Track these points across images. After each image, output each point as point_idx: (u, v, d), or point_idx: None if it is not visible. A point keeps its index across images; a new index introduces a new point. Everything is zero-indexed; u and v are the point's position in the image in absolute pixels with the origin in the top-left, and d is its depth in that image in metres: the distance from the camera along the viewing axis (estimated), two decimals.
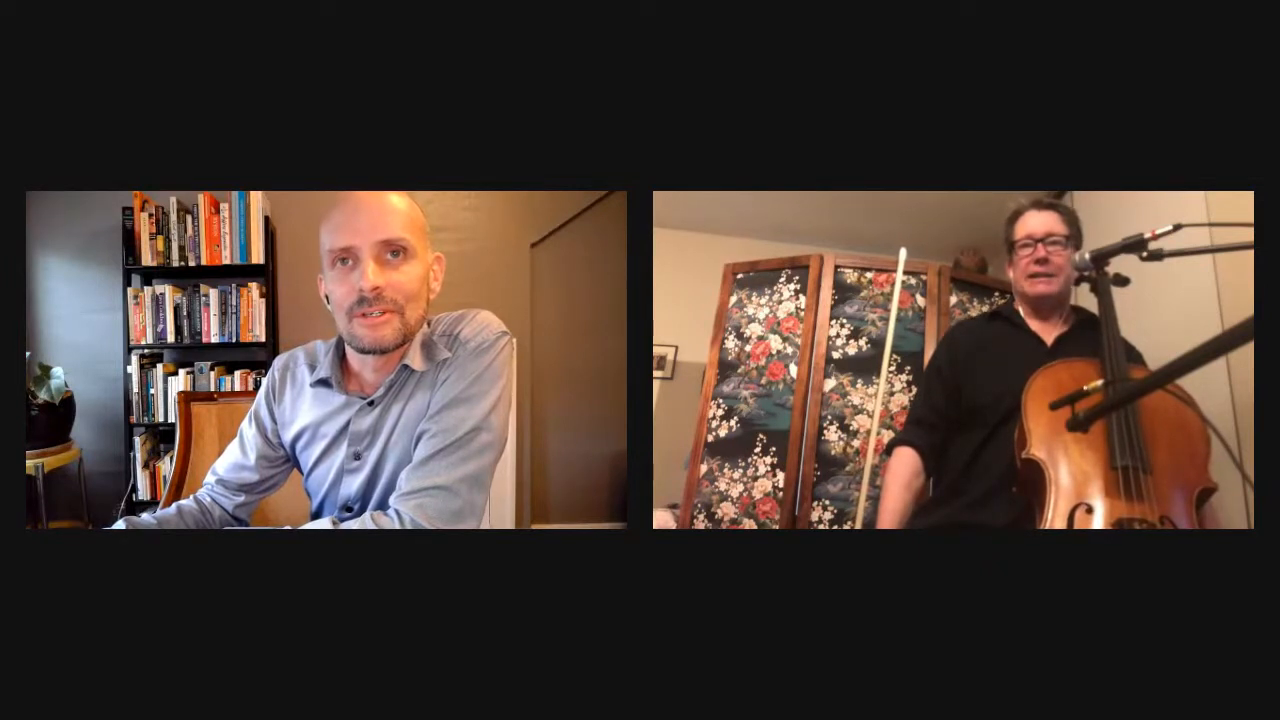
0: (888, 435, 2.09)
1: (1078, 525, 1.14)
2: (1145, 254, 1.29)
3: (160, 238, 2.86)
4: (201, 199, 2.86)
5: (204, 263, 2.87)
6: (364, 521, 1.02)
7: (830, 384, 2.22)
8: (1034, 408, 1.27)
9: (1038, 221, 1.50)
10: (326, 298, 1.12)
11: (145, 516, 1.16)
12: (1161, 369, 0.88)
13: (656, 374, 3.53)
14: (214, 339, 2.92)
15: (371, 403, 1.12)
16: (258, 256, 2.89)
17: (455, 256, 2.37)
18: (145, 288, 2.91)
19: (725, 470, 2.23)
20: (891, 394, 2.18)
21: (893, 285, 2.19)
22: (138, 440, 2.87)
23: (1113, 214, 2.02)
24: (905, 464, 1.52)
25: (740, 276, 2.45)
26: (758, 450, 2.22)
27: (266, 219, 2.94)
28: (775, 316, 2.34)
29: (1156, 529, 1.11)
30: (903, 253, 2.18)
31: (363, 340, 1.07)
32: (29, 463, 2.50)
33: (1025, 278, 1.51)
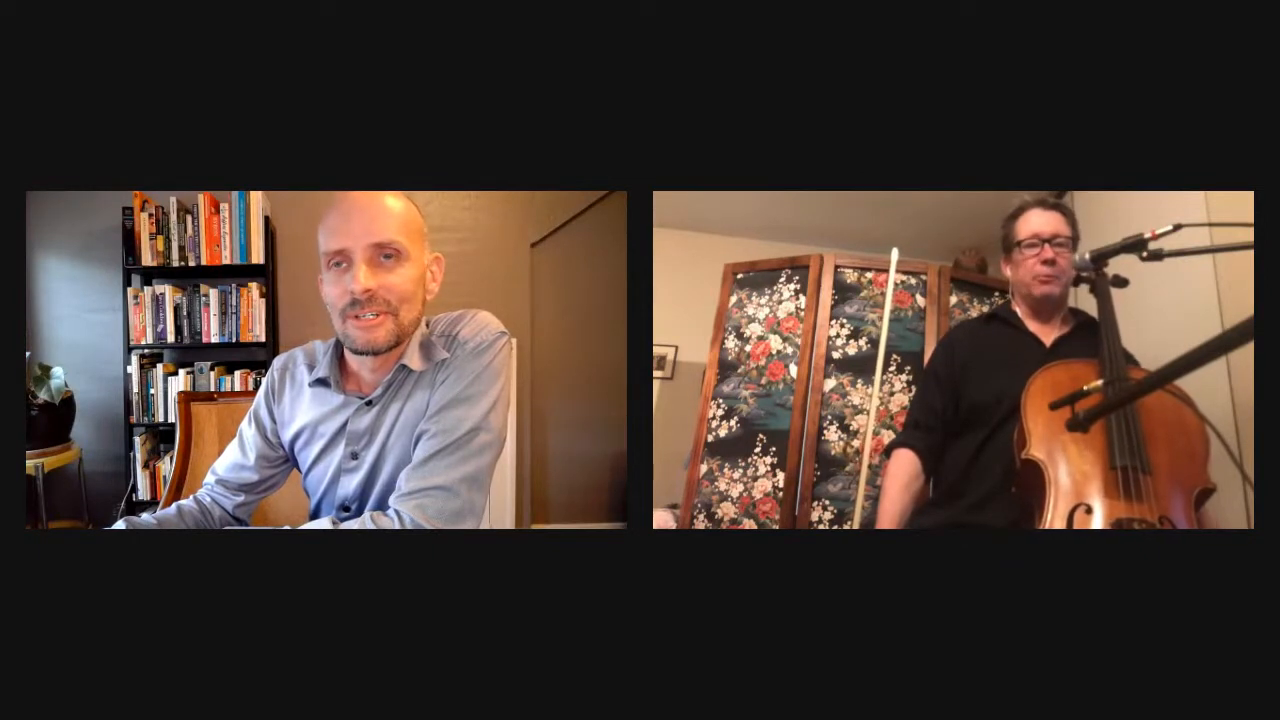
0: (887, 436, 2.10)
1: (1077, 525, 1.14)
2: (1145, 254, 1.29)
3: (160, 238, 2.86)
4: (201, 199, 2.86)
5: (204, 263, 2.87)
6: (363, 522, 1.02)
7: (830, 384, 2.22)
8: (1033, 408, 1.27)
9: (1043, 221, 1.49)
10: None
11: (145, 516, 1.16)
12: (1161, 369, 0.88)
13: (656, 374, 3.53)
14: (214, 339, 2.92)
15: (369, 402, 1.12)
16: (258, 256, 2.89)
17: (455, 256, 2.37)
18: (145, 288, 2.91)
19: (725, 470, 2.23)
20: (891, 394, 2.18)
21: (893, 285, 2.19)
22: (138, 440, 2.87)
23: (1113, 214, 2.02)
24: (904, 466, 1.52)
25: (740, 276, 2.45)
26: (758, 450, 2.22)
27: (266, 219, 2.94)
28: (775, 316, 2.34)
29: (1156, 529, 1.11)
30: (894, 253, 2.18)
31: (356, 341, 1.08)
32: (29, 463, 2.50)
33: (1031, 278, 1.50)
